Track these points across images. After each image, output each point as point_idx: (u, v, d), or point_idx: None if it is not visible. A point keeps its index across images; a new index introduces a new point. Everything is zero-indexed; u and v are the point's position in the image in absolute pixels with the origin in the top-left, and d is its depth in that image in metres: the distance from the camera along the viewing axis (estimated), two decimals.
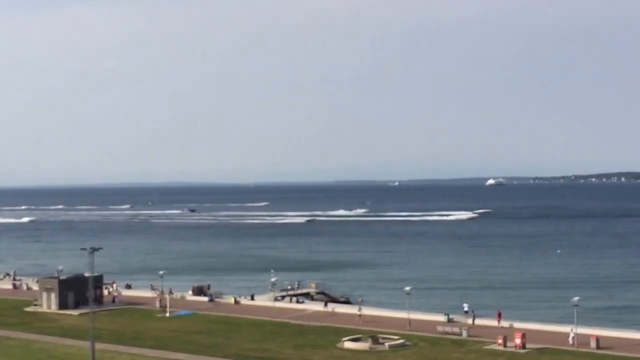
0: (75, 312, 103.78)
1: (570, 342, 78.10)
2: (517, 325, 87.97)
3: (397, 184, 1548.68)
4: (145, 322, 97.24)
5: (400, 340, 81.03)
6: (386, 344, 79.67)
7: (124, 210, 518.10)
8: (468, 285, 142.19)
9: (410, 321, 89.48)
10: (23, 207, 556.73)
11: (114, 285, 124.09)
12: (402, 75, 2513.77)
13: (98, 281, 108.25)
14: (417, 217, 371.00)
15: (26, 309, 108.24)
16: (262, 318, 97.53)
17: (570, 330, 79.96)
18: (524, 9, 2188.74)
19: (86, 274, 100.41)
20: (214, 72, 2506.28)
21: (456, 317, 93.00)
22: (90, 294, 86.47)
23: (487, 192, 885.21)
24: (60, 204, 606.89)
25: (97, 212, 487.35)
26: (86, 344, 73.43)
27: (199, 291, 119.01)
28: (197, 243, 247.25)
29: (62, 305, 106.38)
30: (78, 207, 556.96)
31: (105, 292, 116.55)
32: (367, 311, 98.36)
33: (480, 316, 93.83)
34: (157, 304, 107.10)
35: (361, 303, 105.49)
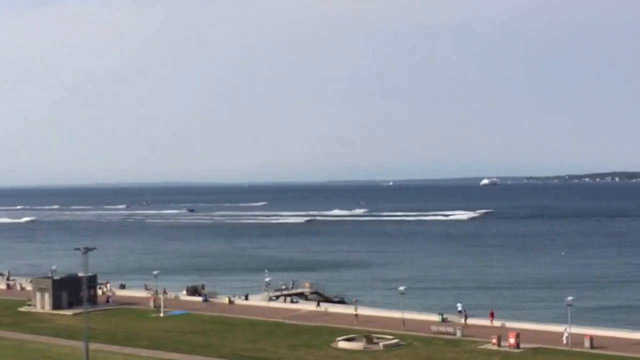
0: (69, 312, 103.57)
1: (564, 341, 78.21)
2: (509, 324, 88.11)
3: (391, 183, 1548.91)
4: (139, 322, 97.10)
5: (395, 340, 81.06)
6: (380, 344, 79.70)
7: (120, 210, 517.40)
8: (463, 285, 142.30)
9: (404, 321, 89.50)
10: (19, 207, 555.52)
11: (108, 285, 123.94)
12: (394, 77, 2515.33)
13: (92, 281, 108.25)
14: (416, 217, 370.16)
15: (20, 309, 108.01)
16: (256, 318, 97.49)
17: (564, 329, 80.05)
18: (520, 12, 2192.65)
19: (80, 274, 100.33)
20: (214, 72, 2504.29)
21: (450, 317, 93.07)
22: (84, 294, 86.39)
23: (483, 192, 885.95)
24: (57, 204, 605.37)
25: (92, 212, 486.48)
26: (80, 344, 73.30)
27: (193, 291, 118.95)
28: (192, 243, 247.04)
29: (56, 305, 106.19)
30: (73, 207, 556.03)
31: (99, 292, 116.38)
32: (362, 311, 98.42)
33: (474, 316, 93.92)
34: (151, 304, 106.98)
35: (356, 303, 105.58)
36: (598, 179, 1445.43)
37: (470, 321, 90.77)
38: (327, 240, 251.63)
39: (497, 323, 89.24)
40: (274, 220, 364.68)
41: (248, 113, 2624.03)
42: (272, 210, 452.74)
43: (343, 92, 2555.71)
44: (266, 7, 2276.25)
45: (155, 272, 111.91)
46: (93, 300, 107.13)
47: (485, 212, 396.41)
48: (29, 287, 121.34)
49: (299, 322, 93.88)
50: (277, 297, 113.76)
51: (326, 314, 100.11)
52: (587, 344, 76.71)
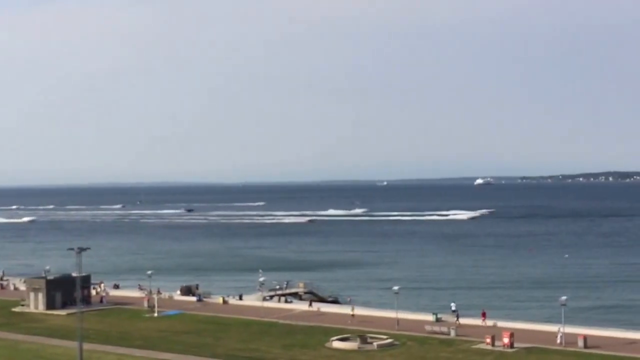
0: (62, 312, 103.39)
1: (558, 341, 78.30)
2: (501, 324, 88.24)
3: (385, 183, 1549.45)
4: (133, 322, 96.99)
5: (389, 340, 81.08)
6: (375, 344, 79.71)
7: (116, 210, 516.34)
8: (457, 284, 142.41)
9: (398, 321, 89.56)
10: (14, 207, 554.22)
11: (102, 285, 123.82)
12: (388, 77, 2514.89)
13: (86, 281, 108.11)
14: (416, 216, 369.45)
15: (14, 309, 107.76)
16: (250, 318, 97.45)
17: (558, 329, 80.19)
18: (515, 13, 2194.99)
19: (74, 274, 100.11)
20: (212, 72, 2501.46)
21: (444, 317, 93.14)
22: (78, 294, 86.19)
23: (478, 191, 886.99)
24: (52, 204, 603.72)
25: (88, 212, 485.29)
26: (74, 344, 73.15)
27: (187, 291, 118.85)
28: (186, 243, 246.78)
29: (50, 305, 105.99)
30: (68, 207, 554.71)
31: (93, 292, 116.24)
32: (356, 311, 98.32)
33: (468, 316, 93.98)
34: (145, 304, 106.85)
35: (350, 302, 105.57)
36: (592, 179, 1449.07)
37: (462, 321, 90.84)
38: (322, 240, 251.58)
39: (489, 322, 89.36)
40: (272, 220, 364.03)
41: (246, 113, 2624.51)
42: (269, 210, 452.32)
43: (342, 92, 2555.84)
44: (265, 6, 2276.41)
45: (149, 272, 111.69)
46: (87, 300, 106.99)
47: (487, 212, 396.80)
48: (22, 287, 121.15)
49: (293, 322, 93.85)
50: (271, 297, 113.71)
51: (320, 313, 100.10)
52: (580, 343, 76.85)
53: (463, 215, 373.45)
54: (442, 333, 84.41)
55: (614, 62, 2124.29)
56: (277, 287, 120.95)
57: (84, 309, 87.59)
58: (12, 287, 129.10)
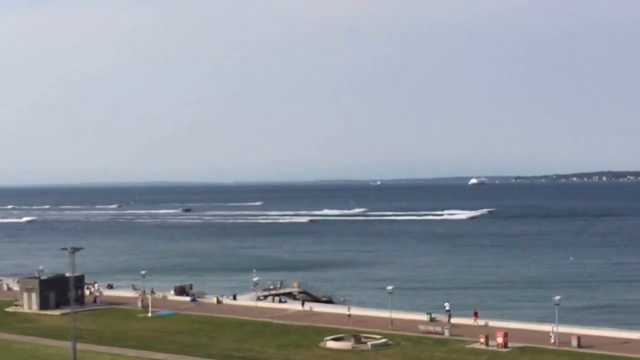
0: (56, 313, 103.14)
1: (552, 340, 78.38)
2: (492, 323, 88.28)
3: (379, 183, 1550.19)
4: (127, 322, 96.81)
5: (383, 340, 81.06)
6: (369, 344, 79.68)
7: (111, 210, 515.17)
8: (451, 284, 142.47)
9: (392, 320, 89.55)
10: (9, 207, 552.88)
11: (96, 285, 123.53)
12: (388, 77, 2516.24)
13: (79, 281, 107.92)
14: (417, 216, 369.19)
15: (7, 310, 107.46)
16: (244, 318, 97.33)
17: (551, 329, 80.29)
18: (515, 13, 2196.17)
19: (67, 274, 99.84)
20: (212, 72, 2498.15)
21: (438, 317, 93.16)
22: (72, 294, 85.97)
23: (472, 191, 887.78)
24: (49, 204, 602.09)
25: (83, 212, 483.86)
26: (67, 345, 73.00)
27: (181, 291, 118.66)
28: (181, 243, 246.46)
29: (43, 305, 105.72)
30: (63, 207, 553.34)
31: (87, 292, 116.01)
32: (351, 310, 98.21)
33: (462, 315, 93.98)
34: (139, 304, 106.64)
35: (344, 302, 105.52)
36: (586, 179, 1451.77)
37: (455, 320, 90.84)
38: (317, 240, 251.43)
39: (481, 322, 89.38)
40: (274, 220, 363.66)
41: (244, 113, 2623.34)
42: (266, 210, 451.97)
43: (341, 91, 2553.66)
44: (265, 6, 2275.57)
45: (143, 272, 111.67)
46: (80, 300, 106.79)
47: (487, 212, 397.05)
48: (16, 287, 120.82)
49: (287, 322, 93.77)
50: (265, 297, 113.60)
51: (315, 313, 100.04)
52: (574, 343, 76.94)
53: (462, 215, 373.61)
54: (436, 333, 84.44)
55: (612, 63, 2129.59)
56: (271, 287, 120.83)
57: (77, 309, 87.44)
58: (5, 287, 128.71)
